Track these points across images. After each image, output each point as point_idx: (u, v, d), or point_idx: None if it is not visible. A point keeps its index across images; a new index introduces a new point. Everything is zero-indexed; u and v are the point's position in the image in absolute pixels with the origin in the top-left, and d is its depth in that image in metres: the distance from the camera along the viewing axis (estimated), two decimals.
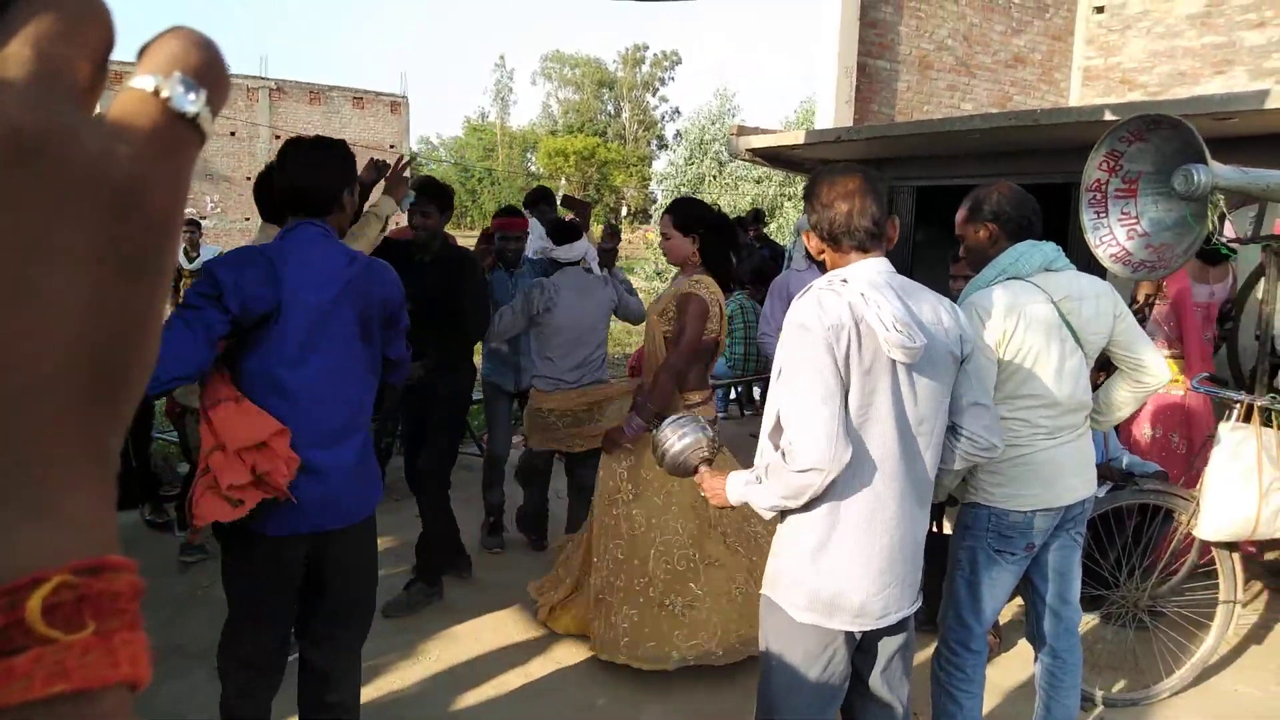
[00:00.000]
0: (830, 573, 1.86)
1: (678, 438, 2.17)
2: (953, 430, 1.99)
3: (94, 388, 0.26)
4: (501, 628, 3.63)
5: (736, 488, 1.98)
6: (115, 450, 0.27)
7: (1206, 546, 3.11)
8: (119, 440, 0.27)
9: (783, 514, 1.94)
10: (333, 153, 2.23)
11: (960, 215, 2.51)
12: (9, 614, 0.22)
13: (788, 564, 1.93)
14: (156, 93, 0.27)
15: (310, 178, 2.16)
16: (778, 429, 1.83)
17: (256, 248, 2.22)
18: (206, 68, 0.28)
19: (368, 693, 3.08)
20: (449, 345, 3.72)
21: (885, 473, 1.84)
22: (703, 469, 2.15)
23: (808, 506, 1.86)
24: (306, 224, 2.17)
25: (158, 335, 0.28)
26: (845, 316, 1.78)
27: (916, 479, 1.90)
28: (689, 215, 3.26)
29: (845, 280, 1.85)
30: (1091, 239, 2.94)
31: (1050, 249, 2.40)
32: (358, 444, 2.22)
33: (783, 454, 1.80)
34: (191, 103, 0.28)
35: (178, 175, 0.28)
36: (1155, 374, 2.47)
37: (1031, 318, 2.30)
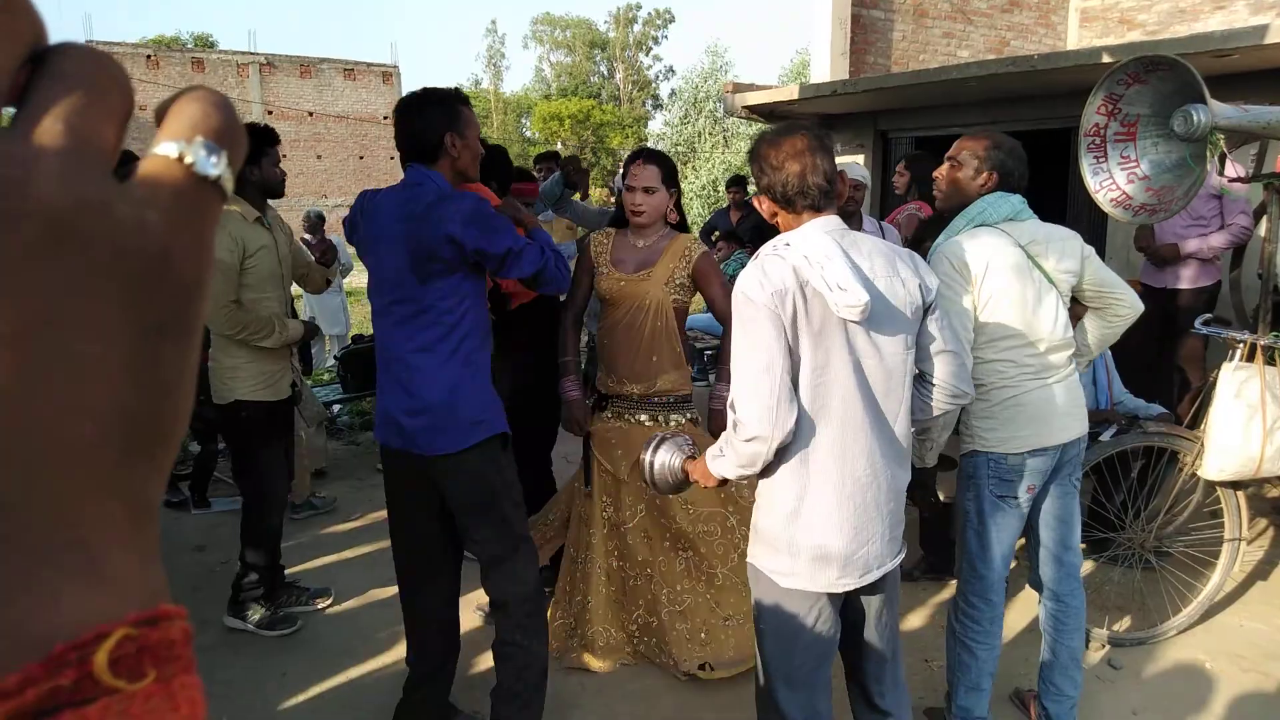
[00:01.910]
0: (807, 535, 1.88)
1: (659, 456, 2.19)
2: (921, 378, 2.00)
3: (134, 447, 0.27)
4: None
5: (711, 463, 1.99)
6: (156, 501, 0.28)
7: (1211, 486, 3.14)
8: (160, 491, 0.29)
9: (760, 478, 1.96)
10: (428, 101, 2.37)
11: (973, 145, 2.49)
12: (79, 668, 0.24)
13: (766, 530, 1.96)
14: (180, 159, 0.28)
15: (409, 134, 2.35)
16: None
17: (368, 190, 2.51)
18: (226, 130, 0.29)
19: (397, 653, 3.14)
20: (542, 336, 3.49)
21: (850, 432, 1.85)
22: (688, 465, 2.15)
23: (778, 471, 1.89)
24: (410, 168, 2.37)
25: (191, 389, 0.29)
26: (789, 281, 1.78)
27: (886, 435, 1.90)
28: (673, 169, 3.04)
29: (789, 244, 1.85)
30: (1091, 184, 2.92)
31: (1017, 200, 2.44)
32: (422, 380, 2.32)
33: (734, 424, 1.84)
34: (214, 165, 0.29)
35: (204, 237, 0.29)
36: (1130, 306, 2.52)
37: (1002, 261, 2.34)
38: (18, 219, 0.24)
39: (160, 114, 0.30)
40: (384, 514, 2.80)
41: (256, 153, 3.27)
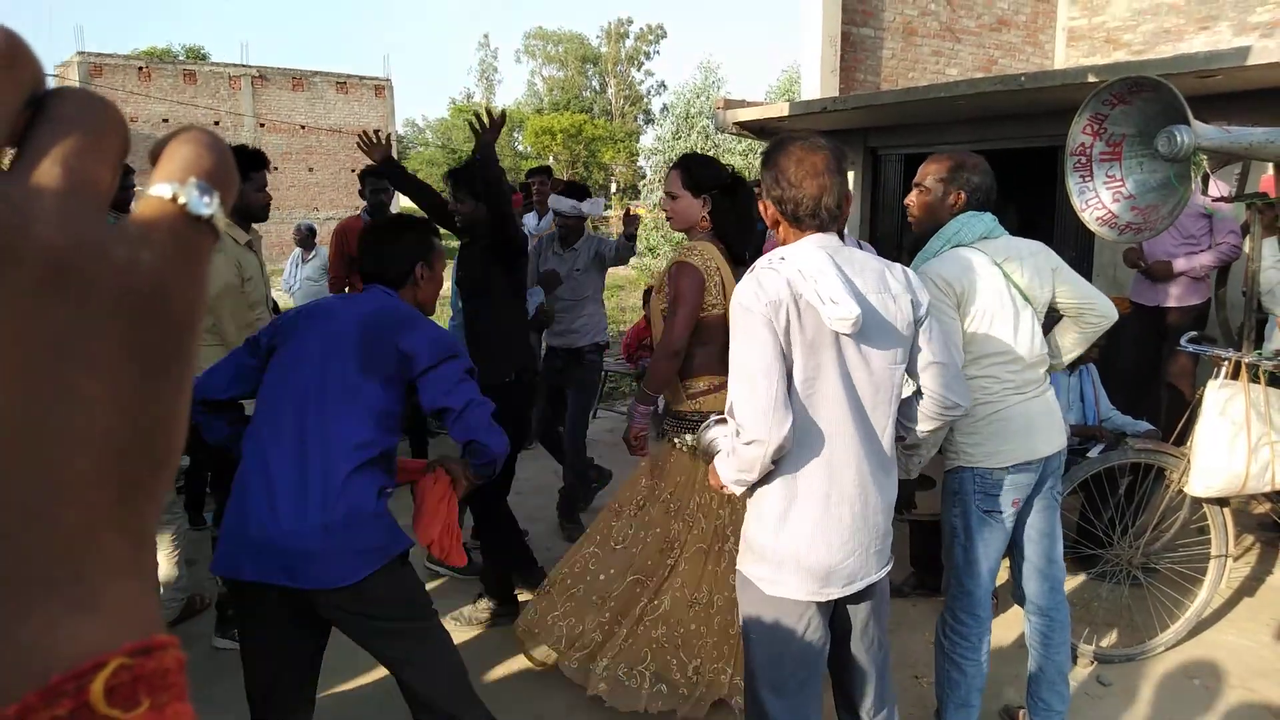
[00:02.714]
0: (793, 544, 1.90)
1: (708, 427, 2.19)
2: (915, 391, 2.02)
3: (130, 479, 0.28)
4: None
5: (718, 462, 2.01)
6: (152, 530, 0.29)
7: (1198, 502, 3.16)
8: (155, 519, 0.30)
9: (750, 489, 1.98)
10: (405, 228, 2.35)
11: (937, 169, 2.52)
12: (76, 698, 0.24)
13: (755, 538, 1.97)
14: (174, 199, 0.29)
15: (380, 258, 2.30)
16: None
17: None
18: (218, 171, 0.30)
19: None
20: (482, 336, 3.64)
21: (839, 443, 1.87)
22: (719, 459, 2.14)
23: (767, 480, 1.91)
24: (372, 288, 2.29)
25: (184, 422, 0.30)
26: (783, 293, 1.81)
27: (874, 447, 1.92)
28: (702, 174, 2.87)
29: (784, 258, 1.87)
30: (1077, 203, 2.95)
31: (989, 219, 2.49)
32: (324, 502, 1.97)
33: (735, 430, 1.86)
34: (206, 205, 0.30)
35: (196, 275, 0.30)
36: (1103, 313, 2.57)
37: (981, 279, 2.39)
38: (18, 260, 0.25)
39: (154, 155, 0.31)
40: None
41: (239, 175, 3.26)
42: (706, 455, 2.21)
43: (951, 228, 2.47)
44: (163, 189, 0.29)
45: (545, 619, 2.98)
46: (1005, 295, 2.41)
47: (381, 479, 2.08)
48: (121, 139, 0.29)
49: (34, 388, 0.25)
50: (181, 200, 0.29)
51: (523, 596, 3.72)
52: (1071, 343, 2.64)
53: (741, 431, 1.83)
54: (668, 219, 2.97)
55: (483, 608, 3.60)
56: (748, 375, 1.82)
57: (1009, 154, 6.21)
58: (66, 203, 0.26)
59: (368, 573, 1.97)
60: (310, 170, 25.68)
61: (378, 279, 2.28)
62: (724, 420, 2.18)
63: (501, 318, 3.63)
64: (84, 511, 0.26)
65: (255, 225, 3.47)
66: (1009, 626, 3.36)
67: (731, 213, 2.90)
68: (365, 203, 5.36)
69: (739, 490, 1.98)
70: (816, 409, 1.86)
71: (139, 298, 0.27)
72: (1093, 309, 2.56)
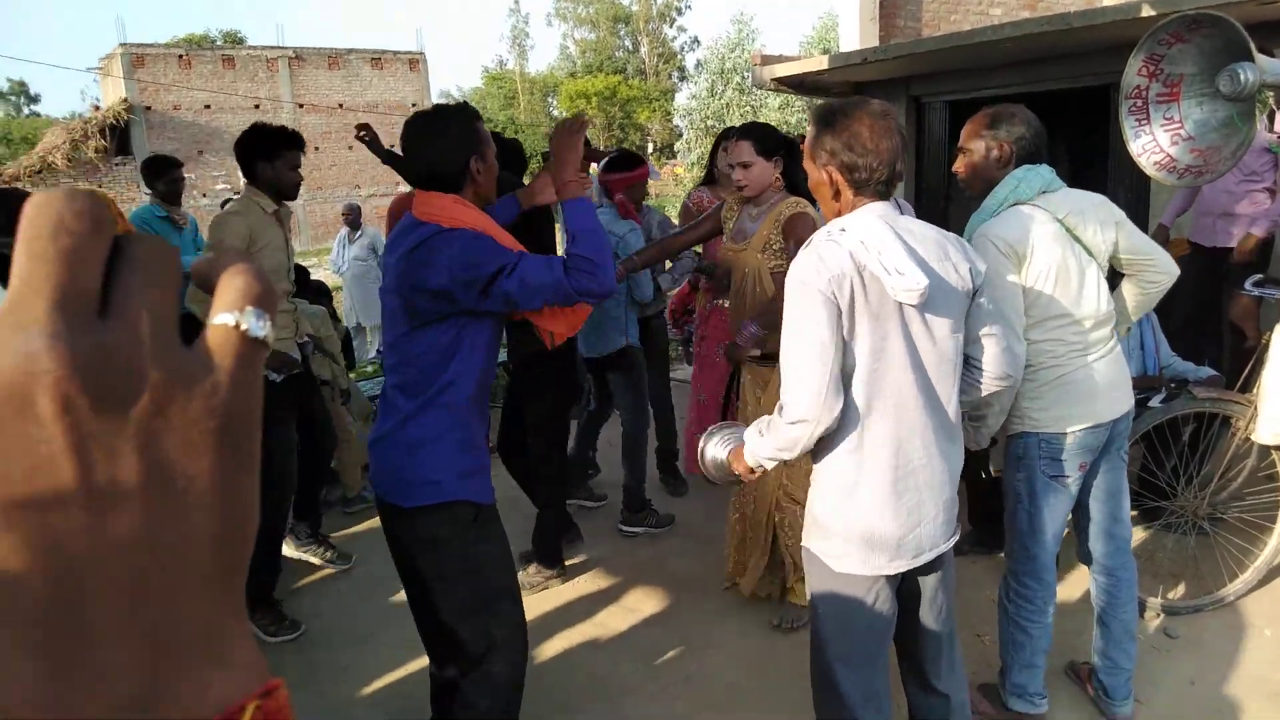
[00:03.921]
0: (862, 518, 1.89)
1: (710, 448, 2.21)
2: (968, 361, 2.00)
3: (231, 557, 0.35)
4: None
5: (749, 443, 2.00)
6: (244, 594, 0.37)
7: (1266, 450, 3.08)
8: (243, 587, 0.37)
9: (815, 462, 1.98)
10: (445, 121, 2.15)
11: (975, 128, 2.45)
12: None
13: (821, 514, 1.97)
14: (237, 326, 0.35)
15: (431, 161, 2.13)
16: None
17: None
18: (266, 295, 0.36)
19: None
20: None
21: (906, 414, 1.86)
22: (732, 455, 2.15)
23: (835, 454, 1.90)
24: (420, 195, 2.19)
25: (257, 504, 0.37)
26: (847, 266, 1.78)
27: (940, 417, 1.91)
28: (769, 139, 3.08)
29: (844, 229, 1.84)
30: (1134, 148, 2.85)
31: (1046, 171, 2.39)
32: (397, 421, 2.16)
33: (780, 407, 1.85)
34: (261, 328, 0.36)
35: (255, 382, 0.36)
36: (1163, 271, 2.48)
37: (1044, 238, 2.31)
38: (140, 392, 0.31)
39: (203, 279, 0.36)
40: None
41: (272, 153, 3.35)
42: (720, 478, 2.25)
43: (1008, 184, 2.39)
44: (226, 318, 0.35)
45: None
46: (1068, 251, 2.33)
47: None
48: (178, 275, 0.35)
49: (162, 495, 0.32)
50: (243, 327, 0.35)
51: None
52: (1135, 306, 2.56)
53: (787, 409, 1.82)
54: (740, 188, 3.11)
55: (533, 572, 3.68)
56: (802, 354, 1.80)
57: (1058, 94, 6.02)
58: (160, 342, 0.32)
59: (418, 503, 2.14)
60: (350, 149, 25.80)
61: (432, 182, 2.15)
62: (715, 432, 2.25)
63: None
64: (209, 589, 0.34)
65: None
66: (1073, 583, 3.32)
67: (800, 170, 3.04)
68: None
69: (770, 465, 2.01)
70: (883, 381, 1.84)
71: (219, 411, 0.34)
72: (1153, 265, 2.47)
